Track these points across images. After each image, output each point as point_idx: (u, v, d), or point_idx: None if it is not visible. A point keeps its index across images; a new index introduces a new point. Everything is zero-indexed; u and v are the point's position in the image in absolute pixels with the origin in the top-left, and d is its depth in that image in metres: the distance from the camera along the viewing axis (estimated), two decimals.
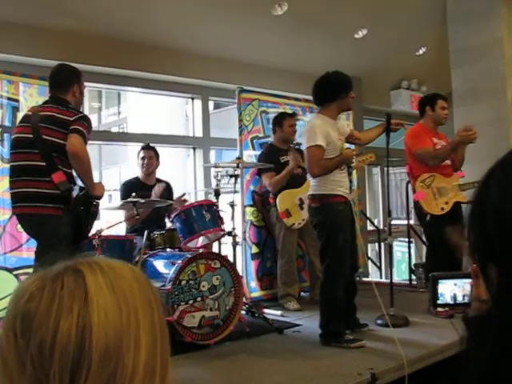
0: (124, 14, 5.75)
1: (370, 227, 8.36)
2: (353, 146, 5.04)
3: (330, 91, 4.50)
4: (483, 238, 0.90)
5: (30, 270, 4.71)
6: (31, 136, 3.76)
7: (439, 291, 1.24)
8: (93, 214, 3.90)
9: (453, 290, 1.24)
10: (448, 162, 5.21)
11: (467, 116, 7.18)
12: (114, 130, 14.70)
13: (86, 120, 3.85)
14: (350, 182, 4.65)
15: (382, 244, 8.33)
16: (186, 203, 5.57)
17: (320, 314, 4.46)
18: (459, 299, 1.24)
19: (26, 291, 0.81)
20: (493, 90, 7.08)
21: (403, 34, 7.80)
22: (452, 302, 1.25)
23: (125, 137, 8.08)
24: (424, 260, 7.09)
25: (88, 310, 0.77)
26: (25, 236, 4.70)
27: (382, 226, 8.84)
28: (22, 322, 0.78)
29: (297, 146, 5.92)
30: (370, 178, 9.73)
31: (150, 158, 5.58)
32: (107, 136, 7.76)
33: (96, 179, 4.07)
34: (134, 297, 0.83)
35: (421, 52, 8.56)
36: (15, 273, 4.86)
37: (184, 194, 5.77)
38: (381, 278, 8.03)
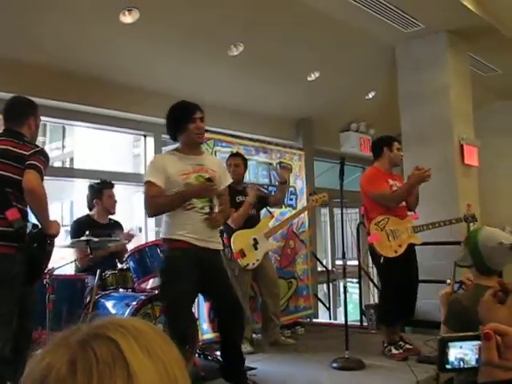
0: (75, 47, 5.66)
1: (319, 268, 8.38)
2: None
3: (169, 123, 4.12)
4: None
5: None
6: None
7: (450, 356, 1.19)
8: (47, 252, 3.74)
9: (459, 352, 1.20)
10: (403, 203, 5.27)
11: (416, 160, 7.30)
12: (57, 164, 14.36)
13: (42, 154, 3.71)
14: (222, 229, 4.57)
15: (331, 285, 8.36)
16: (134, 237, 5.48)
17: None
18: (464, 363, 1.20)
19: (51, 367, 0.69)
20: (440, 134, 7.30)
21: (354, 78, 7.99)
22: (461, 367, 1.20)
23: (72, 173, 7.89)
24: (373, 301, 7.14)
25: None
26: None
27: (330, 267, 8.88)
28: None
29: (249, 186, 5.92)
30: (318, 218, 9.79)
31: (114, 196, 5.50)
32: (54, 171, 7.55)
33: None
34: (170, 361, 0.74)
35: (370, 96, 8.77)
36: None
37: (131, 229, 5.66)
38: (330, 319, 8.02)
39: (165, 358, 0.74)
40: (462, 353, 1.17)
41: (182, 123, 4.00)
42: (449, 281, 3.12)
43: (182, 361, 0.77)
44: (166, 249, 4.02)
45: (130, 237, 5.46)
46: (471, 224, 5.41)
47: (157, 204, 3.91)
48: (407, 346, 5.13)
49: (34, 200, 3.58)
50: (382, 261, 5.12)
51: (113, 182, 5.71)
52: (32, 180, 3.54)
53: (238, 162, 5.87)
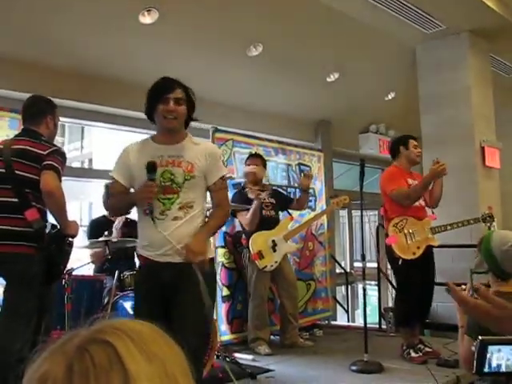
0: (94, 47, 5.69)
1: (337, 270, 8.33)
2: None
3: (146, 103, 3.30)
4: None
5: None
6: (3, 171, 3.59)
7: (489, 359, 1.15)
8: (66, 252, 3.74)
9: (498, 356, 1.16)
10: (422, 203, 5.21)
11: None
12: (75, 165, 14.46)
13: (60, 154, 3.68)
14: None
15: (349, 287, 8.31)
16: None
17: None
18: (503, 368, 1.16)
19: (49, 374, 0.68)
20: (461, 136, 7.22)
21: (373, 79, 7.94)
22: (500, 370, 1.16)
23: (91, 173, 7.92)
24: (392, 303, 7.08)
25: None
26: None
27: (348, 269, 8.83)
28: None
29: (273, 188, 5.91)
30: (337, 220, 9.74)
31: None
32: (73, 172, 7.58)
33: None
34: (170, 361, 0.72)
35: (390, 97, 8.71)
36: None
37: None
38: (348, 321, 7.96)
39: (165, 358, 0.72)
40: (502, 357, 1.14)
41: (154, 103, 3.24)
42: (463, 286, 3.04)
43: (183, 360, 0.76)
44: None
45: None
46: (489, 224, 5.28)
47: (110, 204, 3.37)
48: (427, 349, 5.07)
49: (53, 201, 3.57)
50: (399, 263, 5.06)
51: None
52: (50, 181, 3.53)
53: (256, 162, 5.85)
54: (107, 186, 5.52)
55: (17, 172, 3.55)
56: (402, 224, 5.08)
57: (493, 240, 2.91)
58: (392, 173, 5.32)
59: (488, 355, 1.15)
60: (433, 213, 5.35)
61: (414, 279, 5.01)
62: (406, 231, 5.05)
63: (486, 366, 1.15)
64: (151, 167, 3.09)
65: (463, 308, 2.26)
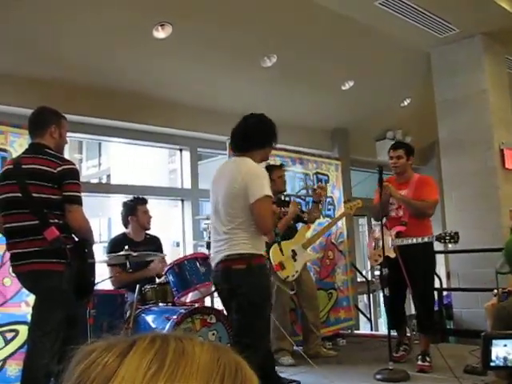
0: (110, 63, 5.73)
1: (359, 278, 8.28)
2: None
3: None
4: None
5: (16, 327, 4.52)
6: (19, 195, 3.54)
7: (493, 353, 1.13)
8: (92, 264, 3.72)
9: (503, 350, 1.14)
10: (400, 213, 5.13)
11: (454, 166, 7.23)
12: (94, 181, 14.58)
13: (73, 175, 3.62)
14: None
15: (371, 295, 8.25)
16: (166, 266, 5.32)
17: None
18: (508, 362, 1.14)
19: (79, 356, 0.66)
20: (479, 140, 7.15)
21: (388, 85, 7.91)
22: (506, 365, 1.14)
23: (109, 188, 7.94)
24: (414, 311, 7.00)
25: None
26: (10, 291, 4.51)
27: (369, 277, 8.76)
28: None
29: (287, 198, 5.87)
30: (356, 228, 9.70)
31: (149, 211, 5.46)
32: (92, 188, 7.60)
33: None
34: None
35: (405, 103, 8.67)
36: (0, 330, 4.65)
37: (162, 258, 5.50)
38: (371, 330, 7.90)
39: None
40: (507, 351, 1.12)
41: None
42: (495, 291, 3.01)
43: None
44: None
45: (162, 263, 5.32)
46: (450, 245, 4.93)
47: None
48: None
49: (83, 233, 3.64)
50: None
51: (150, 196, 5.70)
52: (78, 218, 3.57)
53: (284, 173, 5.88)
54: (126, 204, 5.48)
55: (33, 195, 3.51)
56: (377, 232, 5.25)
57: None
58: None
59: (493, 349, 1.13)
60: (402, 224, 5.16)
61: (388, 284, 4.98)
62: (375, 239, 5.23)
63: (494, 360, 1.13)
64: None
65: None
